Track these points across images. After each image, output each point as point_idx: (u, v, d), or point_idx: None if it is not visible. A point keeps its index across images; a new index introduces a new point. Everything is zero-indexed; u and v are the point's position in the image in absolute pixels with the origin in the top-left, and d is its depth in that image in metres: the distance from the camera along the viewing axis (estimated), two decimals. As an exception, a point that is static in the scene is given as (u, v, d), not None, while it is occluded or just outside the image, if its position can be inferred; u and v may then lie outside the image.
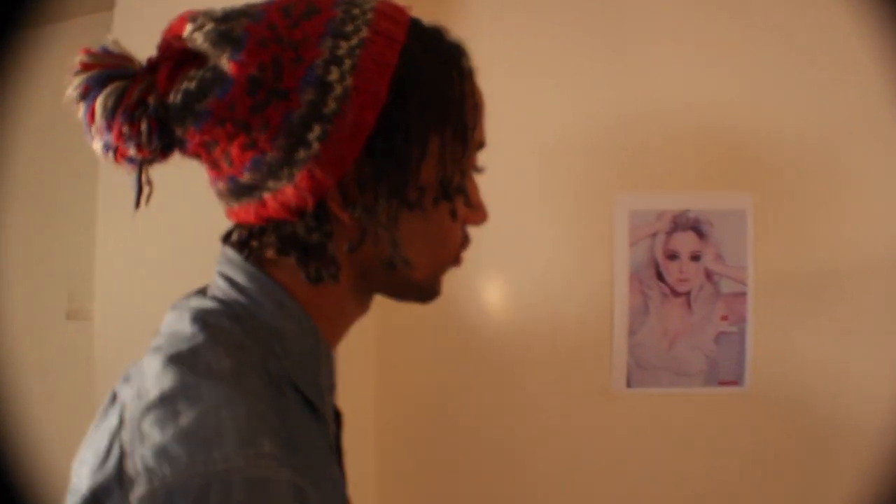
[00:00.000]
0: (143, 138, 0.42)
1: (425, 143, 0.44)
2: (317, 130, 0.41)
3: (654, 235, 1.10)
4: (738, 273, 1.10)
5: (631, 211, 1.09)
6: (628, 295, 1.10)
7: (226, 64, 0.41)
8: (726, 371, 1.10)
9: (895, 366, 1.11)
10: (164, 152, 0.44)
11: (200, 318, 0.44)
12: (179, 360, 0.41)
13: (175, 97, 0.41)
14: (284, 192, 0.43)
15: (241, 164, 0.43)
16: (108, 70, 0.42)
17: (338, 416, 0.54)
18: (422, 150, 0.44)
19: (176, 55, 0.43)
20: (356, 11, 0.44)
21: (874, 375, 1.11)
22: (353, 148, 0.42)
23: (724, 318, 1.10)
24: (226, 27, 0.42)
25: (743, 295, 1.10)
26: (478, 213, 0.51)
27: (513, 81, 1.12)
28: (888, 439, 1.09)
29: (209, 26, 0.42)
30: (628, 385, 1.11)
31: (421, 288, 0.51)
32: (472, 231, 0.52)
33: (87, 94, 0.42)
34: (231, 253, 0.48)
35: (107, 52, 0.43)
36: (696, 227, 1.10)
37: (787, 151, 1.11)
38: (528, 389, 1.12)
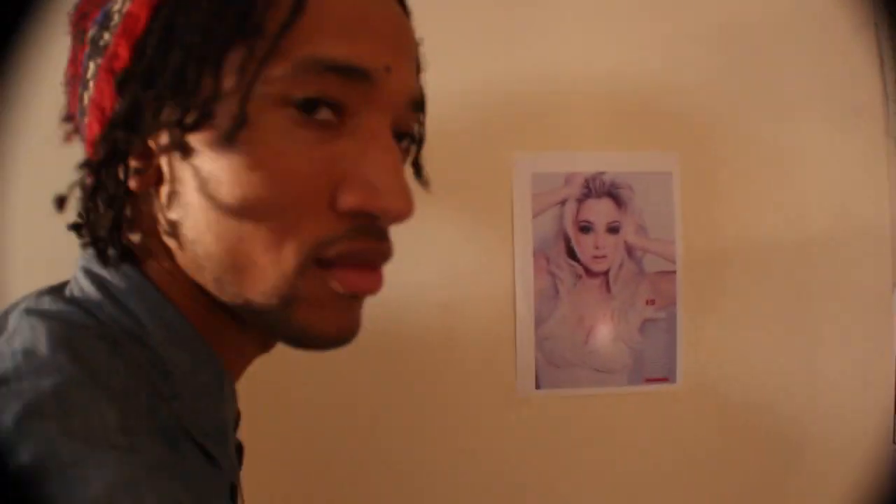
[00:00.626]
0: None
1: (201, 63, 0.33)
2: (91, 68, 0.36)
3: (562, 203, 0.91)
4: (665, 248, 0.92)
5: (533, 174, 0.90)
6: (533, 276, 0.90)
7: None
8: (655, 366, 0.92)
9: (847, 355, 0.95)
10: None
11: (66, 340, 0.32)
12: (43, 411, 0.28)
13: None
14: (87, 152, 0.38)
15: (87, 137, 0.37)
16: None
17: (240, 451, 0.45)
18: (195, 74, 0.33)
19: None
20: None
21: (823, 365, 0.95)
22: (110, 82, 0.35)
23: (650, 302, 0.92)
24: None
25: (671, 274, 0.92)
26: (359, 187, 0.35)
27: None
28: (837, 438, 0.94)
29: None
30: (537, 386, 0.91)
31: (261, 311, 0.36)
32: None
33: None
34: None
35: None
36: (613, 193, 0.92)
37: (720, 105, 0.95)
38: (419, 397, 0.91)
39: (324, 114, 0.34)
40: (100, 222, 0.35)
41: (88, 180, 0.35)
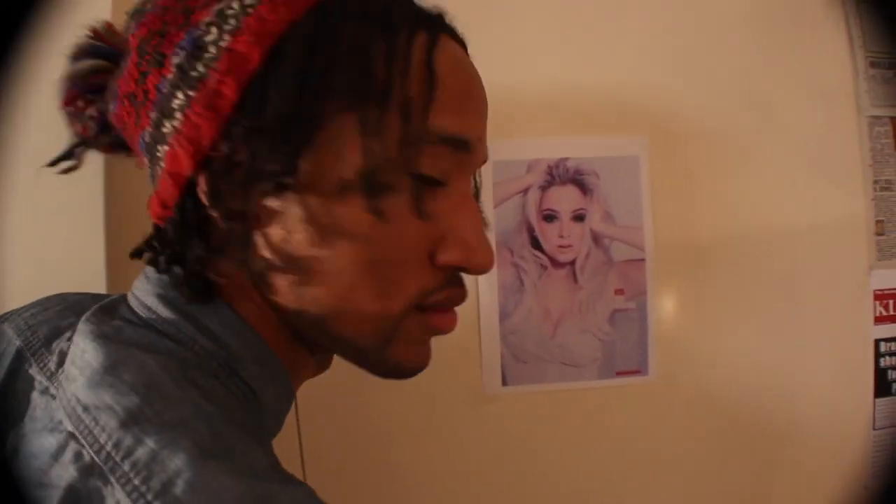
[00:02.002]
0: (85, 119, 0.41)
1: (319, 118, 0.35)
2: (181, 98, 0.35)
3: (525, 192, 0.87)
4: (633, 235, 0.89)
5: (494, 161, 0.86)
6: (496, 269, 0.86)
7: (127, 38, 0.39)
8: (626, 358, 0.89)
9: (825, 341, 0.92)
10: (109, 146, 0.42)
11: (187, 377, 0.34)
12: (212, 452, 0.30)
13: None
14: (161, 182, 0.37)
15: (138, 149, 0.39)
16: (104, 46, 0.41)
17: None
18: (309, 126, 0.35)
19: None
20: None
21: (801, 353, 0.93)
22: (213, 120, 0.35)
23: (619, 292, 0.89)
24: (140, 4, 0.39)
25: (640, 262, 0.89)
26: (458, 245, 0.38)
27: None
28: (817, 425, 0.92)
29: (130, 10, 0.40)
30: (504, 383, 0.87)
31: (358, 348, 0.39)
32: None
33: (76, 58, 0.41)
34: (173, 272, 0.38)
35: (112, 31, 0.42)
36: (578, 180, 0.88)
37: (689, 87, 0.92)
38: (383, 400, 0.87)
39: (434, 184, 0.37)
40: (192, 258, 0.37)
41: (176, 215, 0.36)
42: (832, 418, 0.94)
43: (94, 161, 0.50)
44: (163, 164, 0.36)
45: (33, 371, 0.39)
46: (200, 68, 0.35)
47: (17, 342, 0.41)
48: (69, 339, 0.39)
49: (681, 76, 0.91)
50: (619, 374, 0.89)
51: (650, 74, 0.90)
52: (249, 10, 0.35)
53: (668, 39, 0.91)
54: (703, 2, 0.93)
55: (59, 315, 0.43)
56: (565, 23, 0.89)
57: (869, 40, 0.96)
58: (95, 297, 0.45)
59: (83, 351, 0.36)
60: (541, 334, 0.87)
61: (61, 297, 0.47)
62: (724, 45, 0.93)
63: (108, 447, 0.31)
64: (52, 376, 0.38)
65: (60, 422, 0.33)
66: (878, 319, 0.96)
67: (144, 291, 0.39)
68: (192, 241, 0.37)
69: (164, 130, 0.36)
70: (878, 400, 0.96)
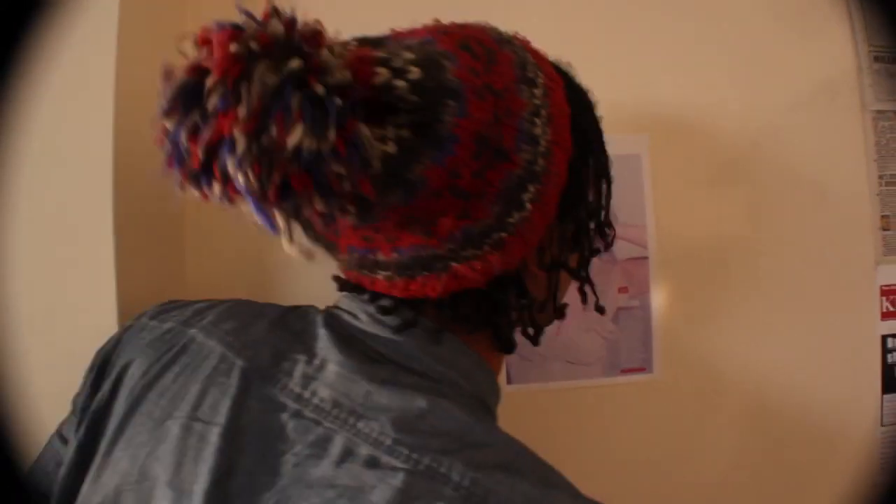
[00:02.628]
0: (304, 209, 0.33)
1: (600, 191, 0.47)
2: (531, 191, 0.39)
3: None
4: (636, 234, 0.89)
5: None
6: (499, 267, 0.87)
7: (447, 120, 0.35)
8: (630, 356, 0.89)
9: (831, 337, 0.93)
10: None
11: (494, 424, 0.47)
12: (574, 493, 0.41)
13: (368, 163, 0.32)
14: (488, 260, 0.40)
15: (446, 235, 0.39)
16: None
17: None
18: (598, 199, 0.47)
19: (362, 109, 0.32)
20: (518, 49, 0.42)
21: (807, 349, 0.93)
22: (554, 204, 0.41)
23: (623, 290, 0.89)
24: (436, 73, 0.36)
25: (644, 260, 0.89)
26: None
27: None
28: (824, 422, 0.92)
29: (415, 73, 0.34)
30: (509, 381, 0.88)
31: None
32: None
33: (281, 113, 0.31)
34: (429, 326, 0.45)
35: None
36: (580, 179, 0.88)
37: (691, 84, 0.91)
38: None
39: None
40: (511, 311, 0.47)
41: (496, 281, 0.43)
42: (839, 415, 0.94)
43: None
44: (500, 248, 0.40)
45: (272, 392, 0.43)
46: (541, 162, 0.38)
47: (240, 361, 0.44)
48: (307, 363, 0.44)
49: (681, 73, 0.91)
50: (624, 371, 0.89)
51: (650, 71, 0.90)
52: (548, 100, 0.39)
53: (669, 36, 0.91)
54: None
55: (273, 336, 0.47)
56: (565, 22, 0.90)
57: (873, 35, 0.96)
58: (283, 311, 0.51)
59: (368, 392, 0.42)
60: (546, 332, 0.87)
61: (252, 308, 0.51)
62: (725, 41, 0.93)
63: (466, 483, 0.37)
64: (299, 399, 0.42)
65: (372, 456, 0.39)
66: (885, 315, 0.95)
67: (416, 344, 0.45)
68: (509, 298, 0.44)
69: (510, 221, 0.39)
70: (885, 396, 0.95)
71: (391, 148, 0.33)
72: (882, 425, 0.95)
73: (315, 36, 0.32)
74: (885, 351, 0.95)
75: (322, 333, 0.46)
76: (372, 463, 0.38)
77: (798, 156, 0.93)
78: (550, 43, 0.85)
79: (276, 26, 0.31)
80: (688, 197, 0.91)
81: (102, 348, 0.52)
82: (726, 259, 0.91)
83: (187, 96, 0.31)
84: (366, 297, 0.46)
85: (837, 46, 0.95)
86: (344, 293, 0.49)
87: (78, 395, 0.52)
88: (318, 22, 0.33)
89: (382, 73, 0.33)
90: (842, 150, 0.94)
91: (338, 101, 0.31)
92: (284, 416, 0.41)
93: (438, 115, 0.35)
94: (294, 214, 0.33)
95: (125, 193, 0.62)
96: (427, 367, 0.44)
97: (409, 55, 0.35)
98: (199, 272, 0.81)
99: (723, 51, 0.92)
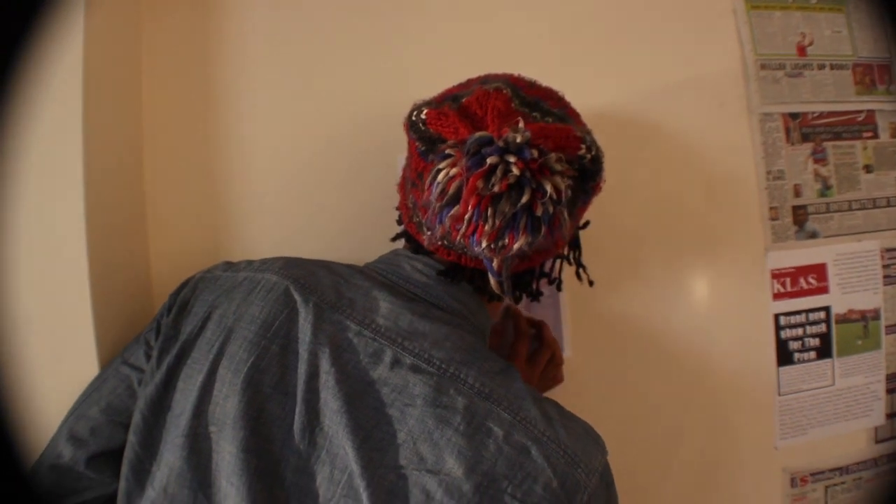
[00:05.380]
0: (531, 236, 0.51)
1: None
2: (578, 203, 0.60)
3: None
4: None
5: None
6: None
7: (597, 179, 0.58)
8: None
9: (727, 319, 1.01)
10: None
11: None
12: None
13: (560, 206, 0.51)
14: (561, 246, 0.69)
15: (565, 237, 0.62)
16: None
17: None
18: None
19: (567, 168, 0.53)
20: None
21: (708, 330, 1.01)
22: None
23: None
24: (600, 154, 0.56)
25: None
26: None
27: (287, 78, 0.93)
28: (726, 398, 1.00)
29: (594, 149, 0.55)
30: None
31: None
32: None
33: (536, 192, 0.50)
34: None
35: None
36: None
37: (604, 93, 0.99)
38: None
39: None
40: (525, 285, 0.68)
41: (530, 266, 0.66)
42: (741, 385, 1.03)
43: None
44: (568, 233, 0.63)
45: (339, 318, 0.59)
46: (590, 185, 0.59)
47: (313, 298, 0.60)
48: (365, 298, 0.62)
49: (572, 76, 0.98)
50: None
51: (544, 75, 0.98)
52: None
53: (562, 37, 0.97)
54: (596, 8, 0.99)
55: (333, 280, 0.63)
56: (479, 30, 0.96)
57: (759, 44, 1.06)
58: (333, 263, 0.68)
59: (411, 321, 0.60)
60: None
61: (308, 260, 0.68)
62: (623, 50, 1.00)
63: (478, 385, 0.57)
64: (361, 322, 0.59)
65: (415, 364, 0.57)
66: (777, 296, 1.05)
67: (442, 289, 0.64)
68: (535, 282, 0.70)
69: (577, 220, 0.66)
70: (780, 368, 1.05)
71: (569, 194, 0.52)
72: (779, 394, 1.05)
73: (542, 169, 0.50)
74: (778, 328, 1.05)
75: (364, 282, 0.64)
76: (415, 369, 0.56)
77: (692, 156, 1.02)
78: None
79: (514, 171, 0.48)
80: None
81: (177, 294, 0.66)
82: (634, 243, 0.99)
83: (448, 202, 0.50)
84: (425, 258, 0.65)
85: (727, 55, 1.05)
86: (383, 257, 0.70)
87: (153, 331, 0.65)
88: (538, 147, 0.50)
89: (583, 150, 0.54)
90: (732, 151, 1.04)
91: (550, 209, 0.49)
92: (350, 335, 0.58)
93: (595, 177, 0.57)
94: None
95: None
96: (448, 305, 0.63)
97: (587, 134, 0.56)
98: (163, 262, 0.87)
99: (621, 59, 1.00)
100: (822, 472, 1.06)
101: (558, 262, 0.75)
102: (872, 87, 1.09)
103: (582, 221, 0.70)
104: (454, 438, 0.52)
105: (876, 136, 1.09)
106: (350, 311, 0.60)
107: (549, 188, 0.49)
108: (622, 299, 1.00)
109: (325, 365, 0.56)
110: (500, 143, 0.48)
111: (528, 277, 0.67)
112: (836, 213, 1.07)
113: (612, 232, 0.99)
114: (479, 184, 0.47)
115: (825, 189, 1.07)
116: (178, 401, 0.57)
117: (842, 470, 1.07)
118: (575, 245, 0.74)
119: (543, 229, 0.49)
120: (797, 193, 1.05)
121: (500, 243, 0.49)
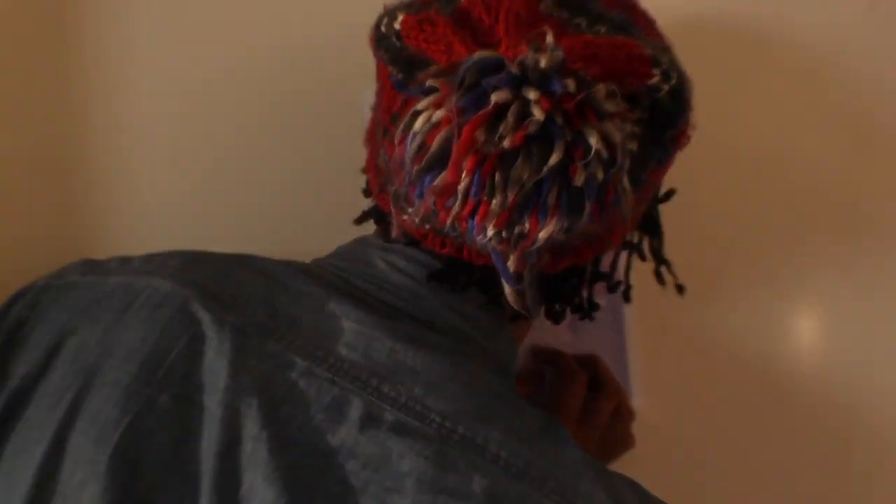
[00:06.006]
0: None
1: None
2: (650, 164, 0.47)
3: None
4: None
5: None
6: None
7: (681, 128, 0.44)
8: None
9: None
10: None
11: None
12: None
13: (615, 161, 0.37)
14: (623, 231, 0.49)
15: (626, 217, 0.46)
16: None
17: None
18: None
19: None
20: None
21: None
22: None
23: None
24: (686, 83, 0.43)
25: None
26: None
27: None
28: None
29: (675, 80, 0.41)
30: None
31: None
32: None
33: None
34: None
35: None
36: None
37: None
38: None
39: None
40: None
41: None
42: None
43: None
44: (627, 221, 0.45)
45: (276, 349, 0.44)
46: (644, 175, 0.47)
47: (230, 316, 0.45)
48: (318, 313, 0.46)
49: None
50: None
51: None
52: None
53: None
54: None
55: (260, 286, 0.48)
56: None
57: None
58: (254, 258, 0.52)
59: (392, 350, 0.44)
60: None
61: (218, 256, 0.52)
62: None
63: (504, 454, 0.41)
64: (313, 356, 0.43)
65: (399, 422, 0.41)
66: None
67: (461, 308, 0.48)
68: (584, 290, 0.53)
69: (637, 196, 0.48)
70: None
71: (634, 146, 0.39)
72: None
73: (583, 110, 0.35)
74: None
75: (314, 288, 0.48)
76: (401, 429, 0.41)
77: (827, 85, 0.83)
78: None
79: (536, 114, 0.34)
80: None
81: (5, 313, 0.50)
82: (735, 244, 0.81)
83: (430, 164, 0.35)
84: (409, 250, 0.50)
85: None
86: (344, 249, 0.53)
87: None
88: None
89: (656, 78, 0.40)
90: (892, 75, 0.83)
91: (598, 175, 0.34)
92: (294, 375, 0.43)
93: (676, 122, 0.42)
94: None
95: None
96: (449, 325, 0.48)
97: (664, 53, 0.42)
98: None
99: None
100: None
101: (623, 255, 0.58)
102: None
103: (660, 192, 0.55)
104: None
105: None
106: (293, 336, 0.46)
107: (594, 141, 0.35)
108: (722, 316, 0.81)
109: (251, 427, 0.41)
110: (514, 69, 0.35)
111: (574, 281, 0.51)
112: None
113: (704, 211, 0.80)
114: (480, 135, 0.34)
115: None
116: (0, 490, 0.44)
117: None
118: (650, 228, 0.56)
119: (588, 207, 0.36)
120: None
121: (515, 230, 0.36)
